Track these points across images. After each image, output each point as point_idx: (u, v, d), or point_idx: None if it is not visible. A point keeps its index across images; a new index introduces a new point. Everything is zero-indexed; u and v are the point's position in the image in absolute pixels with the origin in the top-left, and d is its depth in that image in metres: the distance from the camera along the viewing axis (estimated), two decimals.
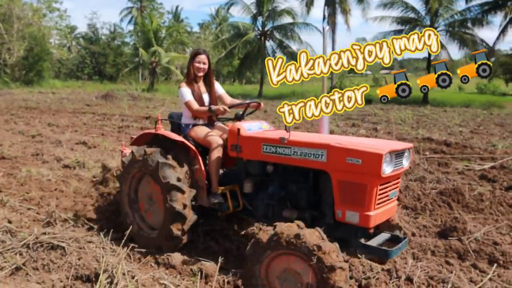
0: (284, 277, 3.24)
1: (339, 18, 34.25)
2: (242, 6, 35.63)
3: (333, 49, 34.35)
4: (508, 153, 10.02)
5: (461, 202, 6.11)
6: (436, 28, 30.96)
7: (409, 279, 3.87)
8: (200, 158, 4.21)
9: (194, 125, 4.48)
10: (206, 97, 4.56)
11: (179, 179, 4.06)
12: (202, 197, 4.21)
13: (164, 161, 4.08)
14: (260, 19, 35.88)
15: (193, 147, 4.24)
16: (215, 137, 4.27)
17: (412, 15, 31.72)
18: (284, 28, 35.67)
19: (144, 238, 4.38)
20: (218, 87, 4.71)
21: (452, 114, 20.41)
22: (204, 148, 4.30)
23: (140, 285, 3.52)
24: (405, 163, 3.59)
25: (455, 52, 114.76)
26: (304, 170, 3.74)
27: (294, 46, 36.41)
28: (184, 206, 4.06)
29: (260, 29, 35.94)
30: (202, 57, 4.49)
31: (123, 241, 4.02)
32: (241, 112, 4.31)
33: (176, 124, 4.67)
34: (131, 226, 4.40)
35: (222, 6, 47.48)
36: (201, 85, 4.59)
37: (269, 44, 36.33)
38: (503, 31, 28.43)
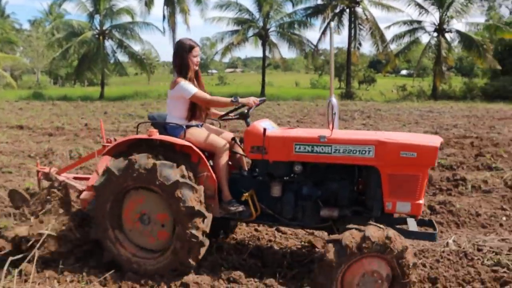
0: (363, 281, 3.20)
1: (179, 18, 34.66)
2: (77, 3, 33.65)
3: (173, 48, 34.61)
4: None
5: None
6: (268, 29, 33.61)
7: None
8: (208, 164, 3.80)
9: (188, 126, 3.94)
10: None
11: (200, 202, 3.62)
12: (214, 207, 3.81)
13: (184, 181, 3.54)
14: (97, 17, 34.33)
15: (200, 153, 3.75)
16: (220, 140, 3.91)
17: (246, 16, 33.82)
18: (124, 27, 34.71)
19: (131, 264, 3.79)
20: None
21: (284, 106, 22.56)
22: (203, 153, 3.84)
23: None
24: None
25: (285, 51, 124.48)
26: (342, 167, 3.71)
27: (135, 46, 35.81)
28: (204, 233, 3.64)
29: (98, 28, 34.42)
30: (198, 50, 4.07)
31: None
32: (246, 110, 3.96)
33: (160, 127, 4.02)
34: (110, 251, 3.83)
35: (55, 2, 43.95)
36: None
37: (109, 44, 35.04)
38: (323, 33, 32.07)
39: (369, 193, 3.70)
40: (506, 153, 9.41)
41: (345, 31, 32.23)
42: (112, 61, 35.50)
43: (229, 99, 3.83)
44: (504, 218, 5.57)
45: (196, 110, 3.99)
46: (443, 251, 4.45)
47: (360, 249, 3.12)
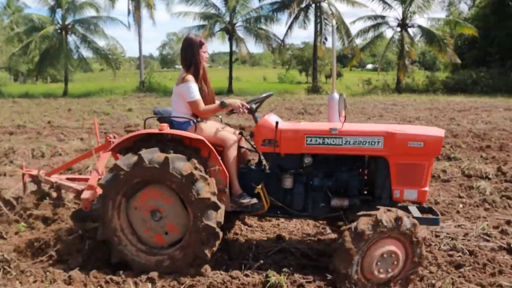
0: (381, 261, 3.41)
1: (145, 12, 34.15)
2: None
3: (139, 43, 34.17)
4: None
5: None
6: (235, 24, 33.54)
7: None
8: (219, 158, 3.78)
9: (195, 121, 3.93)
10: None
11: (214, 193, 3.60)
12: (226, 201, 3.79)
13: (197, 173, 3.51)
14: (59, 11, 33.37)
15: (211, 147, 3.74)
16: (229, 134, 3.95)
17: (213, 11, 33.62)
18: (87, 22, 33.91)
19: (141, 263, 3.71)
20: None
21: None
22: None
23: None
24: None
25: (252, 46, 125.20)
26: (352, 157, 3.88)
27: (100, 42, 35.06)
28: (219, 224, 3.61)
29: (60, 22, 33.47)
30: (207, 46, 4.08)
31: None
32: (254, 106, 3.96)
33: (166, 122, 3.94)
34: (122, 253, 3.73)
35: None
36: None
37: (72, 39, 34.16)
38: (290, 27, 32.33)
39: (378, 182, 3.87)
40: (465, 143, 9.81)
41: (311, 26, 32.56)
42: (75, 56, 34.68)
43: (217, 105, 3.92)
44: (461, 206, 5.83)
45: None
46: None
47: (374, 232, 3.32)
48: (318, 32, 32.10)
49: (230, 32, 33.57)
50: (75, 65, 36.18)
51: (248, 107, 3.89)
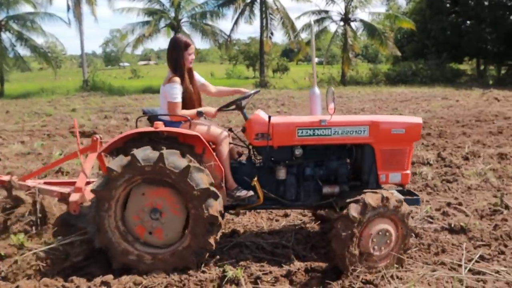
0: (376, 239, 3.68)
1: (86, 8, 32.88)
2: None
3: (80, 41, 32.94)
4: (238, 126, 11.83)
5: None
6: (180, 20, 33.10)
7: None
8: (213, 153, 3.84)
9: (189, 119, 3.95)
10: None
11: (212, 184, 3.63)
12: (222, 196, 3.81)
13: (194, 165, 3.56)
14: None
15: (206, 143, 3.79)
16: (220, 129, 4.05)
17: (157, 6, 32.97)
18: (23, 18, 32.11)
19: (144, 264, 3.66)
20: (198, 77, 4.31)
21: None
22: None
23: None
24: None
25: (199, 41, 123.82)
26: (340, 147, 4.13)
27: (38, 39, 33.40)
28: (220, 212, 3.65)
29: None
30: (193, 48, 4.12)
31: None
32: (243, 102, 4.08)
33: (156, 121, 3.92)
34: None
35: None
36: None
37: (6, 36, 32.27)
38: (236, 23, 32.35)
39: (365, 168, 4.14)
40: None
41: (256, 21, 32.69)
42: (11, 55, 32.72)
43: (195, 112, 3.93)
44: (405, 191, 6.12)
45: (188, 105, 4.05)
46: None
47: (364, 215, 3.58)
48: (264, 27, 32.32)
49: (175, 28, 33.05)
50: (11, 64, 34.16)
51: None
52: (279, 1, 32.44)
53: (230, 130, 4.34)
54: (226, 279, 3.50)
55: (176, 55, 4.02)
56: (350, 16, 33.48)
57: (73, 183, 4.34)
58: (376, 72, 35.30)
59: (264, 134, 3.95)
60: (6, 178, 4.44)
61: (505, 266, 3.75)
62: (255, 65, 47.20)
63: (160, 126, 3.74)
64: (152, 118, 4.03)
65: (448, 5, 36.33)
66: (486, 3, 33.38)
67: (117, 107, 17.54)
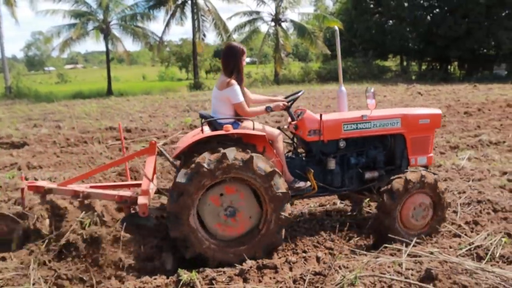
0: (415, 212, 4.35)
1: (4, 10, 30.86)
2: None
3: (0, 44, 30.84)
4: (177, 130, 11.77)
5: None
6: (109, 22, 32.08)
7: None
8: (274, 151, 4.21)
9: (238, 121, 4.35)
10: None
11: (288, 188, 4.03)
12: None
13: (276, 170, 3.96)
14: None
15: (268, 142, 4.19)
16: (273, 128, 4.47)
17: (84, 8, 31.70)
18: None
19: (217, 255, 3.97)
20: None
21: (134, 102, 21.75)
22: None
23: None
24: None
25: (129, 44, 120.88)
26: (376, 137, 4.74)
27: None
28: (287, 188, 4.03)
29: None
30: (246, 54, 4.43)
31: None
32: (290, 104, 4.58)
33: (214, 124, 4.31)
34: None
35: None
36: None
37: None
38: (167, 25, 31.90)
39: (397, 154, 4.80)
40: None
41: (188, 22, 32.49)
42: None
43: (263, 108, 4.37)
44: None
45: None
46: (299, 220, 5.17)
47: (406, 189, 4.26)
48: (196, 29, 32.16)
49: (104, 30, 31.98)
50: None
51: (287, 105, 4.53)
52: (210, 2, 32.48)
53: (279, 128, 4.72)
54: (181, 283, 3.51)
55: (234, 61, 4.33)
56: (280, 16, 34.21)
57: (116, 187, 4.76)
58: (307, 71, 36.37)
59: (316, 130, 4.51)
60: (42, 184, 4.43)
61: (437, 248, 4.12)
62: (188, 67, 46.86)
63: (230, 129, 4.07)
64: (213, 122, 4.33)
65: (372, 5, 38.23)
66: (406, 4, 35.48)
67: (47, 115, 16.62)
